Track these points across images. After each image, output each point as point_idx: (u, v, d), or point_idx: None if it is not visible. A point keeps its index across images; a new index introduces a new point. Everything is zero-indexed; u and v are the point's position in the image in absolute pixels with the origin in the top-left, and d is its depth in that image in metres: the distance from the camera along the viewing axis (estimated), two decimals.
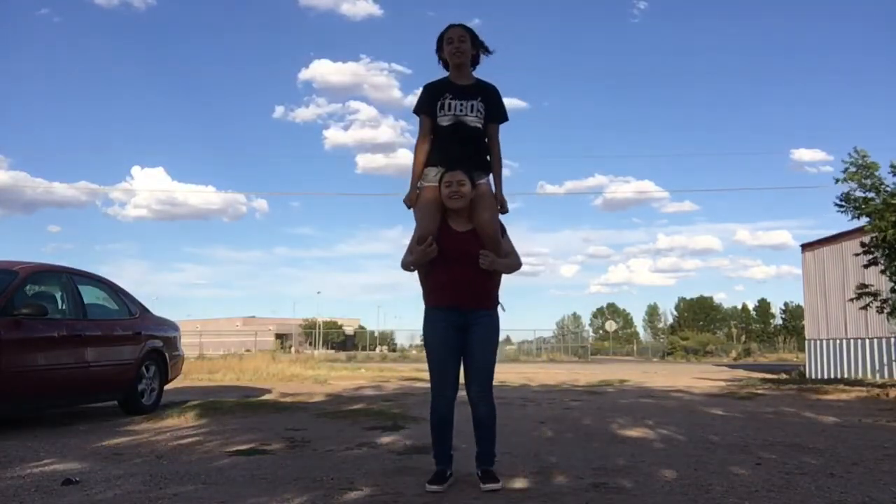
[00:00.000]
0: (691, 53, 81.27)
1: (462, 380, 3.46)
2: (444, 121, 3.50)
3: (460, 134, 3.48)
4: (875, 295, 11.09)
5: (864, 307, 11.31)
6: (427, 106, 3.56)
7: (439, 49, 3.61)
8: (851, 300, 11.62)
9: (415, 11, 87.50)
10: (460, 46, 3.54)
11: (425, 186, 3.50)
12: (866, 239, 11.06)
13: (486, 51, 3.64)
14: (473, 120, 3.48)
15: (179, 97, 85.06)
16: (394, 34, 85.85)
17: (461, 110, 3.48)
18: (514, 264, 3.52)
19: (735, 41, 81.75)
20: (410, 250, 3.43)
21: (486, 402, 3.42)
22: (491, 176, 3.61)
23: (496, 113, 3.60)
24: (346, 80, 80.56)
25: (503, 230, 3.53)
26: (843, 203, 10.71)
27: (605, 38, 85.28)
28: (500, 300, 3.57)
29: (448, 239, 3.39)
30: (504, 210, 3.61)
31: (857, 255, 11.36)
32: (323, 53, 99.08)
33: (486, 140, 3.59)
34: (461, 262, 3.34)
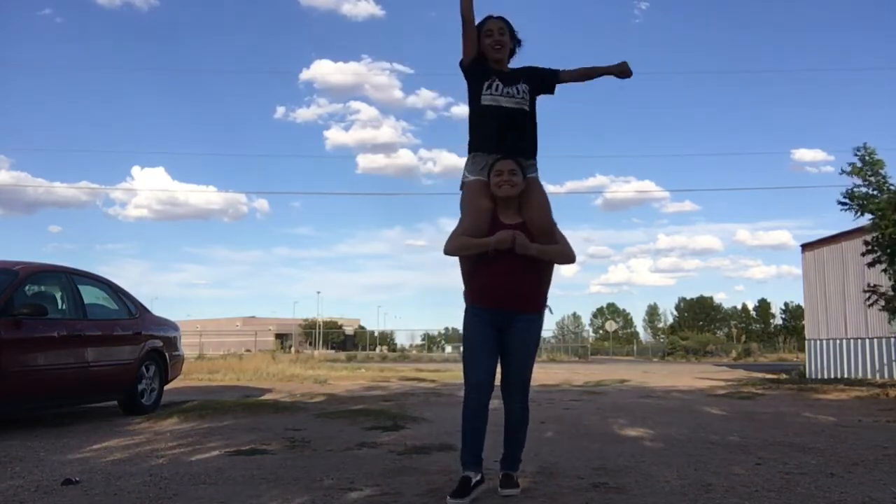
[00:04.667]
0: (692, 53, 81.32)
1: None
2: (488, 100, 3.39)
3: (504, 117, 3.37)
4: (882, 294, 11.06)
5: (872, 304, 11.29)
6: (474, 61, 3.45)
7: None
8: (864, 291, 11.56)
9: (416, 12, 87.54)
10: (501, 39, 3.45)
11: (473, 179, 3.37)
12: (869, 237, 11.04)
13: (519, 43, 3.56)
14: (519, 102, 3.39)
15: (180, 97, 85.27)
16: (395, 34, 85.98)
17: (508, 93, 3.38)
18: (566, 252, 3.33)
19: (736, 41, 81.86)
20: (454, 237, 3.31)
21: (518, 408, 3.33)
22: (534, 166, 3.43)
23: (545, 76, 3.51)
24: (348, 81, 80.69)
25: (555, 221, 3.38)
26: (848, 200, 10.70)
27: (607, 37, 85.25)
28: (549, 302, 3.44)
29: (495, 231, 3.22)
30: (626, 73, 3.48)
31: (863, 254, 11.33)
32: (324, 54, 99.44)
33: (534, 121, 3.47)
34: (507, 256, 3.19)
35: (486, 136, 3.38)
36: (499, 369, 3.31)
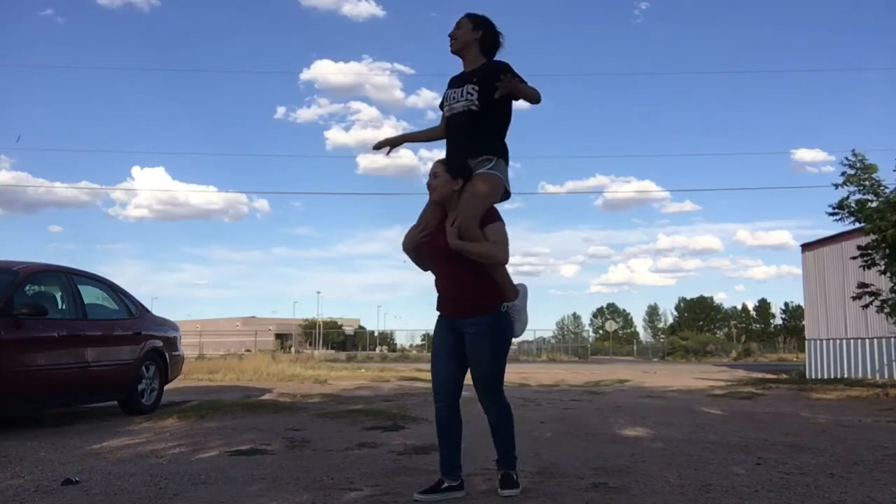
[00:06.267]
0: (692, 53, 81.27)
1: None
2: (446, 112, 3.47)
3: (453, 122, 3.41)
4: (876, 294, 11.08)
5: (865, 306, 11.31)
6: (442, 103, 3.58)
7: None
8: (854, 298, 11.60)
9: (417, 12, 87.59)
10: (453, 34, 3.47)
11: None
12: (863, 242, 11.04)
13: (490, 32, 3.45)
14: (463, 105, 3.35)
15: (181, 97, 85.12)
16: (396, 34, 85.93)
17: (453, 98, 3.40)
18: (488, 252, 3.16)
19: (736, 41, 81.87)
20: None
21: (491, 409, 3.31)
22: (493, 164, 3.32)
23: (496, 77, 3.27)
24: (348, 81, 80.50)
25: (497, 217, 3.25)
26: (838, 210, 10.75)
27: (607, 38, 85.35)
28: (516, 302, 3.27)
29: (437, 235, 3.23)
30: (514, 87, 3.22)
31: (853, 258, 11.35)
32: (325, 54, 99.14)
33: (486, 119, 3.34)
34: (444, 262, 3.23)
35: (446, 143, 3.48)
36: None
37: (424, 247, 3.30)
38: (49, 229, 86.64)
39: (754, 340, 60.56)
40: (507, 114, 3.42)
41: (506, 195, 3.43)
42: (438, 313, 3.36)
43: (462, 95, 3.36)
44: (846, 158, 10.67)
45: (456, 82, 3.47)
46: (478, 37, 3.45)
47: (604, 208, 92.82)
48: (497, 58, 3.50)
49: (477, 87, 3.33)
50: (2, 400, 5.37)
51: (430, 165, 3.41)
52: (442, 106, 3.56)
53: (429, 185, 3.28)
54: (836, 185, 10.73)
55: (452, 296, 3.26)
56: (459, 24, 3.47)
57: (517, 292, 3.30)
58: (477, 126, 3.35)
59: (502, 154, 3.38)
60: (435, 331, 3.38)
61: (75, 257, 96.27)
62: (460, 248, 3.14)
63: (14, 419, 6.06)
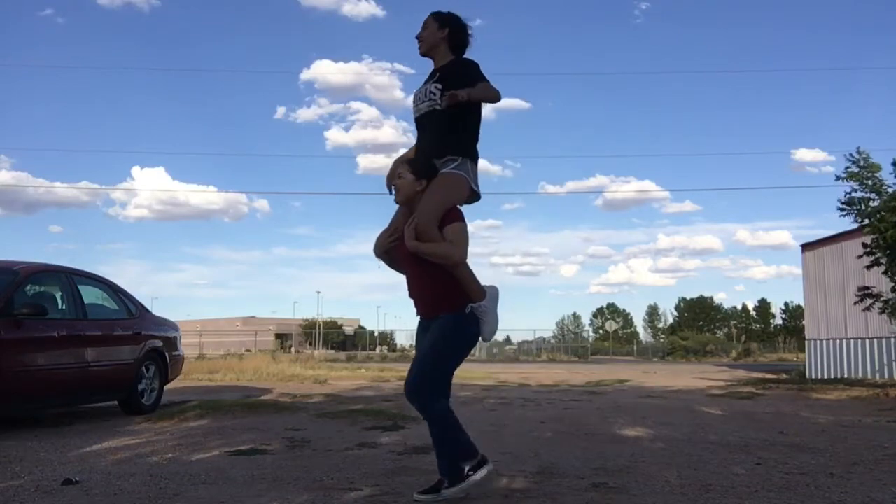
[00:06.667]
0: (692, 53, 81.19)
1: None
2: (414, 113, 3.40)
3: (419, 122, 3.36)
4: (877, 297, 11.07)
5: (867, 309, 11.30)
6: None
7: None
8: (855, 303, 11.61)
9: (417, 12, 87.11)
10: (420, 35, 3.42)
11: None
12: (867, 240, 11.03)
13: (457, 29, 3.38)
14: (427, 105, 3.28)
15: (181, 97, 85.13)
16: (396, 34, 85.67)
17: (419, 99, 3.34)
18: (442, 252, 3.07)
19: (736, 41, 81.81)
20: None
21: (417, 409, 3.23)
22: (459, 163, 3.23)
23: (456, 83, 3.18)
24: (348, 81, 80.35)
25: (457, 218, 3.16)
26: (847, 206, 10.72)
27: (607, 38, 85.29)
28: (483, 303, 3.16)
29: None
30: (458, 98, 3.10)
31: (859, 257, 11.33)
32: (325, 54, 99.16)
33: (451, 118, 3.23)
34: (411, 262, 3.20)
35: (416, 144, 3.42)
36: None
37: (395, 251, 3.28)
38: (49, 229, 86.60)
39: (754, 340, 60.52)
40: (474, 112, 3.32)
41: (474, 196, 3.33)
42: (419, 316, 3.35)
43: (426, 96, 3.30)
44: (851, 154, 10.67)
45: (424, 83, 3.40)
46: (444, 35, 3.37)
47: (604, 208, 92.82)
48: (470, 53, 3.44)
49: (440, 86, 3.25)
50: (2, 400, 5.38)
51: None
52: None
53: (394, 186, 3.24)
54: (838, 177, 10.73)
55: (420, 297, 3.25)
56: (425, 24, 3.40)
57: (485, 294, 3.19)
58: (441, 125, 3.26)
59: (469, 153, 3.29)
60: (416, 333, 3.38)
61: (75, 257, 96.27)
62: (415, 248, 3.10)
63: (14, 419, 6.06)
